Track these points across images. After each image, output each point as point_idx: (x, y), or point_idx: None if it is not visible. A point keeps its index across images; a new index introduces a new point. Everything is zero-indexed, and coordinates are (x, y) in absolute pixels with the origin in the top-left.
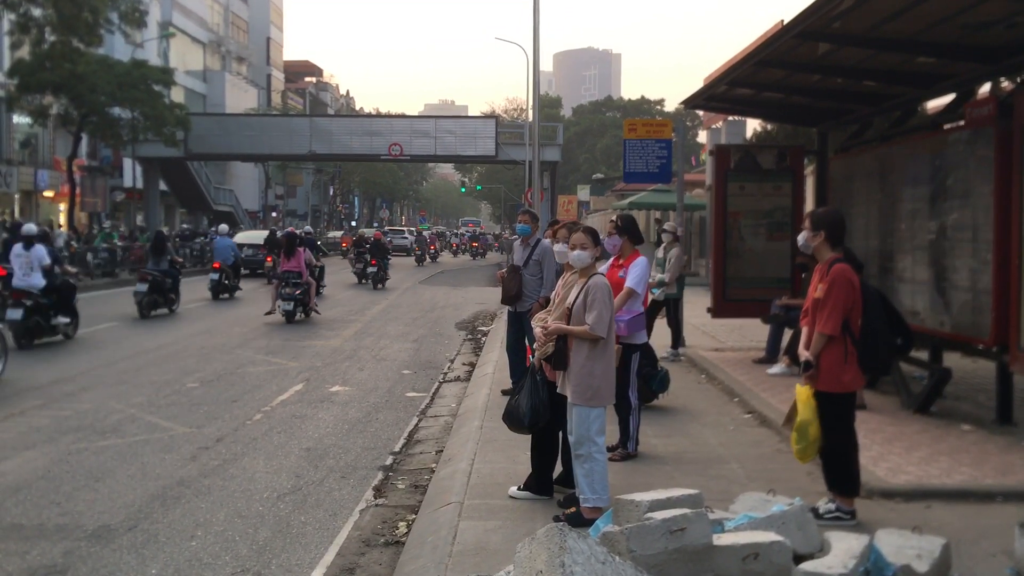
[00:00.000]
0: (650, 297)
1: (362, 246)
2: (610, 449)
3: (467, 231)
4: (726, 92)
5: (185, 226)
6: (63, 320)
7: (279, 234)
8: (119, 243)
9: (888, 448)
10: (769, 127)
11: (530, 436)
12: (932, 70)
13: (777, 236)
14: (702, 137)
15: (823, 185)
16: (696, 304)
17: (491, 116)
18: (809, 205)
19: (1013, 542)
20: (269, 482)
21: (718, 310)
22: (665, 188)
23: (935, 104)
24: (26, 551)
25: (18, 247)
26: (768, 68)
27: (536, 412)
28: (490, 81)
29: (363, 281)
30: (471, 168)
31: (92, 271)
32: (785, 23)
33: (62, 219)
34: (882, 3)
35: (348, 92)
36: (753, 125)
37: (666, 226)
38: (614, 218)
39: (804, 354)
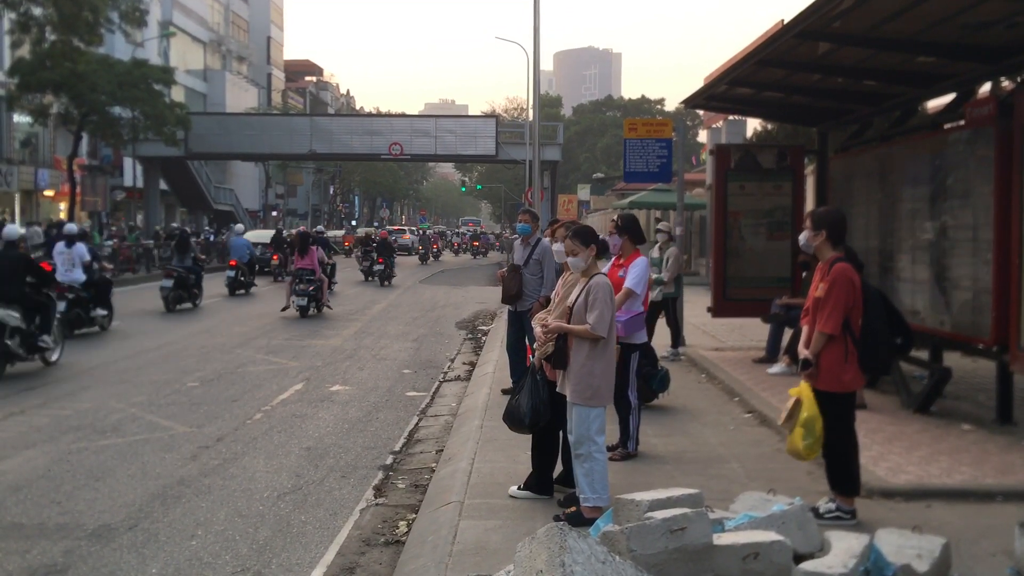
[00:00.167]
0: (650, 297)
1: (369, 245)
2: (610, 448)
3: (467, 230)
4: (726, 91)
5: (174, 225)
6: (101, 312)
7: (285, 233)
8: (107, 243)
9: (888, 448)
10: (769, 127)
11: (530, 435)
12: (932, 70)
13: (777, 236)
14: (702, 136)
15: (823, 185)
16: (696, 303)
17: (491, 115)
18: (809, 205)
19: (1013, 541)
20: (269, 481)
21: (718, 309)
22: (665, 187)
23: (935, 104)
24: (26, 550)
25: (60, 245)
26: (768, 68)
27: (536, 412)
28: (490, 80)
29: (370, 279)
30: (471, 167)
31: None
32: (785, 23)
33: (62, 218)
34: (882, 3)
35: (348, 91)
36: (753, 125)
37: (660, 225)
38: (615, 218)
39: (804, 352)
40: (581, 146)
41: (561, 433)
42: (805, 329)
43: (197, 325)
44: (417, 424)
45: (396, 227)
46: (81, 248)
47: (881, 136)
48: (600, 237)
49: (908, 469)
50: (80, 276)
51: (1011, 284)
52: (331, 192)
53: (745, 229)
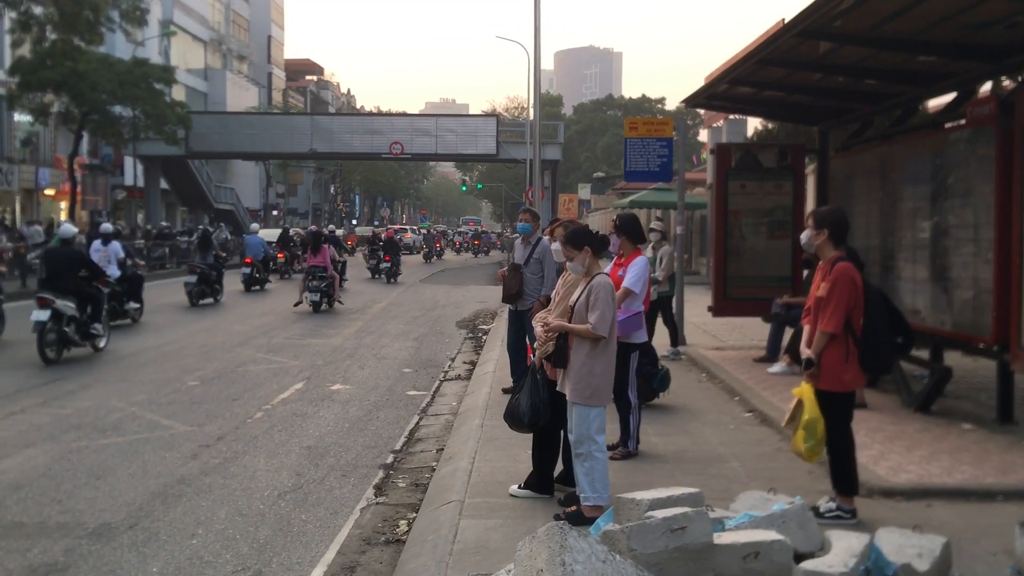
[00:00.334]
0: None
1: (375, 243)
2: (611, 448)
3: (468, 230)
4: (727, 91)
5: (164, 224)
6: (134, 305)
7: (291, 232)
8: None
9: (889, 447)
10: (770, 126)
11: (531, 434)
12: (933, 69)
13: (778, 235)
14: (703, 136)
15: (824, 184)
16: (697, 303)
17: (492, 115)
18: (810, 204)
19: (1014, 541)
20: (270, 480)
21: (719, 309)
22: (666, 187)
23: (936, 103)
24: (27, 549)
25: (97, 243)
26: (769, 67)
27: (536, 411)
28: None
29: (376, 276)
30: (472, 167)
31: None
32: (786, 22)
33: (63, 217)
34: (883, 2)
35: (349, 90)
36: (754, 124)
37: (653, 224)
38: (615, 217)
39: (806, 352)
40: (582, 145)
41: (562, 432)
42: (807, 329)
43: (218, 319)
44: (418, 423)
45: (398, 226)
46: (116, 246)
47: (882, 135)
48: (599, 233)
49: (909, 468)
50: (115, 272)
51: (1012, 283)
52: (332, 191)
53: (746, 228)
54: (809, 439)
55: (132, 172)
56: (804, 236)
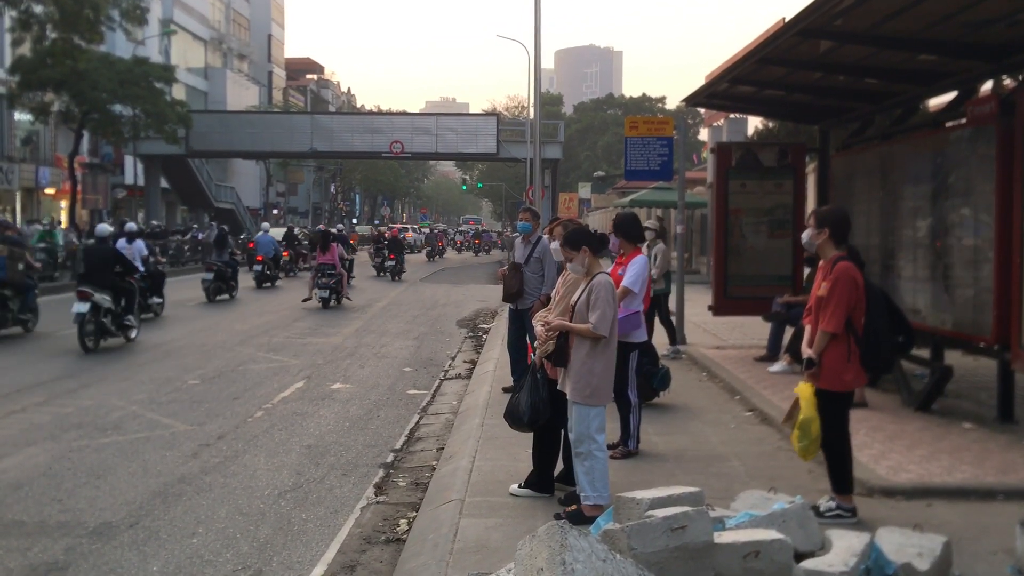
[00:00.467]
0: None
1: (381, 242)
2: (611, 447)
3: (468, 228)
4: (727, 90)
5: (156, 223)
6: (156, 300)
7: (296, 231)
8: (76, 241)
9: (889, 446)
10: (770, 125)
11: (531, 434)
12: (933, 68)
13: (778, 234)
14: (703, 135)
15: (824, 183)
16: (697, 301)
17: (492, 113)
18: (810, 203)
19: (1014, 540)
20: (270, 479)
21: (719, 308)
22: (666, 186)
23: (937, 102)
24: (27, 548)
25: (122, 241)
26: (769, 66)
27: (536, 410)
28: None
29: (381, 274)
30: (472, 166)
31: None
32: (787, 21)
33: (63, 216)
34: (883, 1)
35: (349, 89)
36: (754, 123)
37: (647, 223)
38: (615, 217)
39: (807, 351)
40: (582, 144)
41: (562, 431)
42: (808, 328)
43: (236, 313)
44: (418, 422)
45: (399, 225)
46: (140, 244)
47: (882, 134)
48: (597, 232)
49: (909, 467)
50: (140, 268)
51: (1012, 282)
52: (332, 190)
53: (746, 227)
54: (803, 438)
55: (132, 171)
56: (805, 235)
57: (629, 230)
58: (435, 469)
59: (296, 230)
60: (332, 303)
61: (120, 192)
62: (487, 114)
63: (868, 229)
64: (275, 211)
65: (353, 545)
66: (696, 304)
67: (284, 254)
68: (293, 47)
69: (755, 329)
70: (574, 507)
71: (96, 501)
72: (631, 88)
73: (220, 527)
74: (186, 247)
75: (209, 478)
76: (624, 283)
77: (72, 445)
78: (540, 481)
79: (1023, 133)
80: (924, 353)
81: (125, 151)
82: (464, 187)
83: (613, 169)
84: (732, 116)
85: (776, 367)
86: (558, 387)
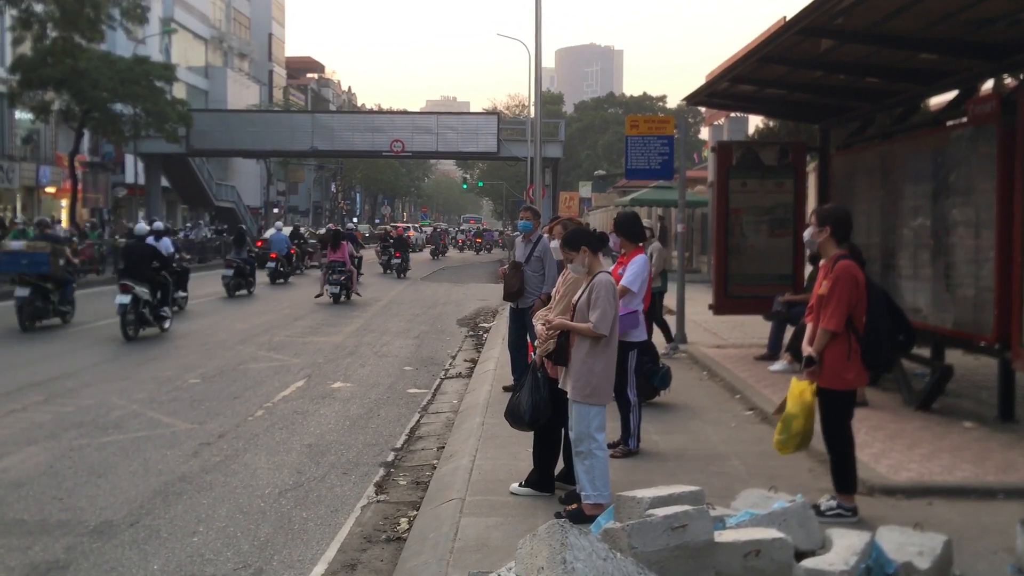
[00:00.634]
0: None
1: (387, 241)
2: (612, 446)
3: (470, 227)
4: (728, 89)
5: (46, 219)
6: (181, 294)
7: (302, 229)
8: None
9: (890, 445)
10: (771, 123)
11: (532, 432)
12: (934, 67)
13: (779, 233)
14: (704, 134)
15: (825, 182)
16: (698, 300)
17: (493, 112)
18: (811, 202)
19: (1015, 539)
20: (271, 478)
21: (719, 307)
22: (667, 185)
23: (937, 101)
24: (28, 546)
25: (150, 239)
26: (770, 64)
27: (537, 409)
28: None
29: (388, 271)
30: (473, 164)
31: None
32: (788, 20)
33: (64, 215)
34: (884, 0)
35: (350, 88)
36: (755, 122)
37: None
38: (616, 216)
39: (807, 350)
40: (583, 143)
41: (562, 430)
42: (809, 326)
43: (254, 307)
44: (418, 421)
45: (401, 225)
46: (166, 241)
47: (883, 133)
48: (595, 231)
49: (910, 466)
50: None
51: (1013, 282)
52: (332, 189)
53: (747, 226)
54: (782, 432)
55: (133, 170)
56: (807, 234)
57: (630, 229)
58: (436, 468)
59: (302, 229)
60: (342, 299)
61: (121, 191)
62: (488, 113)
63: (869, 228)
64: (275, 210)
65: (354, 544)
66: (697, 303)
67: (291, 251)
68: (294, 46)
69: (756, 328)
70: (574, 506)
71: (97, 500)
72: (632, 87)
73: (221, 526)
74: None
75: (210, 477)
76: (623, 282)
77: (73, 444)
78: (541, 480)
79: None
80: (925, 352)
81: (126, 150)
82: (464, 186)
83: (614, 168)
84: (733, 115)
85: (777, 366)
86: (560, 386)
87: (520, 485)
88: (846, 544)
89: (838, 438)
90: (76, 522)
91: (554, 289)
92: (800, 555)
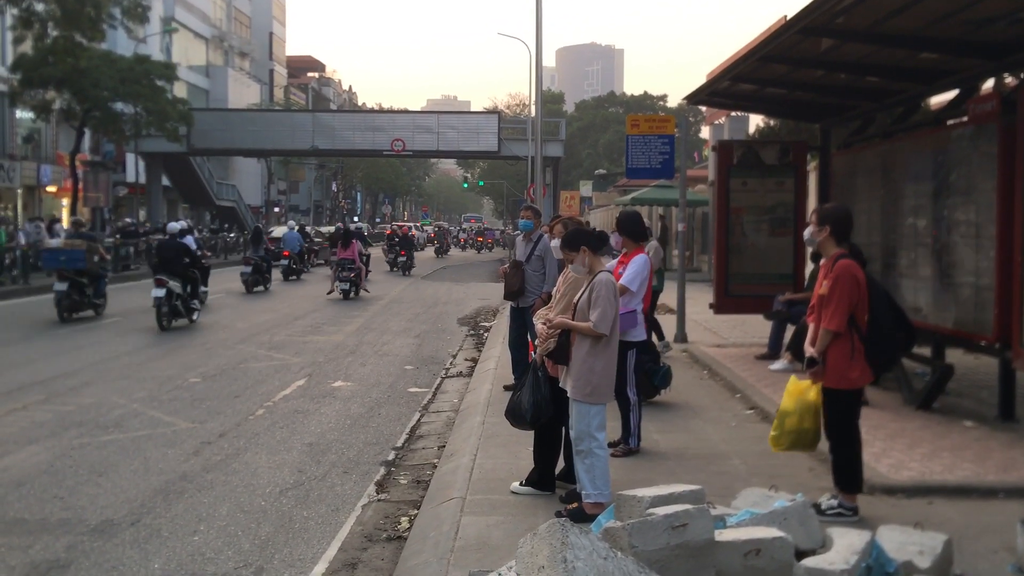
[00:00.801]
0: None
1: (393, 240)
2: (612, 445)
3: (471, 226)
4: (729, 88)
5: (129, 220)
6: (203, 289)
7: (309, 228)
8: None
9: (890, 444)
10: (772, 123)
11: (532, 431)
12: (935, 66)
13: (779, 232)
14: (705, 133)
15: (826, 181)
16: (698, 300)
17: (494, 111)
18: (812, 201)
19: (1015, 538)
20: (271, 477)
21: (720, 306)
22: (668, 184)
23: (938, 100)
24: (29, 545)
25: (167, 238)
26: (771, 64)
27: (538, 408)
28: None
29: (394, 269)
30: (473, 163)
31: None
32: (788, 19)
33: (65, 214)
34: None
35: (351, 87)
36: (756, 121)
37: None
38: (619, 215)
39: (810, 350)
40: (583, 142)
41: (563, 429)
42: (811, 326)
43: (271, 303)
44: (419, 420)
45: (406, 224)
46: (189, 239)
47: (884, 132)
48: (594, 231)
49: (910, 466)
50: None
51: (1014, 281)
52: (333, 188)
53: (747, 225)
54: (776, 428)
55: (134, 169)
56: (807, 233)
57: (633, 228)
58: (436, 467)
59: (308, 228)
60: (352, 295)
61: (121, 190)
62: (488, 112)
63: (869, 227)
64: (276, 209)
65: (354, 543)
66: (697, 302)
67: (284, 252)
68: (294, 45)
69: (756, 327)
70: (575, 505)
71: (98, 499)
72: (632, 86)
73: (221, 525)
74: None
75: (210, 476)
76: (622, 281)
77: (73, 443)
78: (541, 479)
79: None
80: (925, 351)
81: (126, 149)
82: (465, 185)
83: (614, 167)
84: (733, 114)
85: (777, 365)
86: (560, 384)
87: (521, 484)
88: (847, 543)
89: (845, 438)
90: (77, 521)
91: (555, 288)
92: (800, 554)
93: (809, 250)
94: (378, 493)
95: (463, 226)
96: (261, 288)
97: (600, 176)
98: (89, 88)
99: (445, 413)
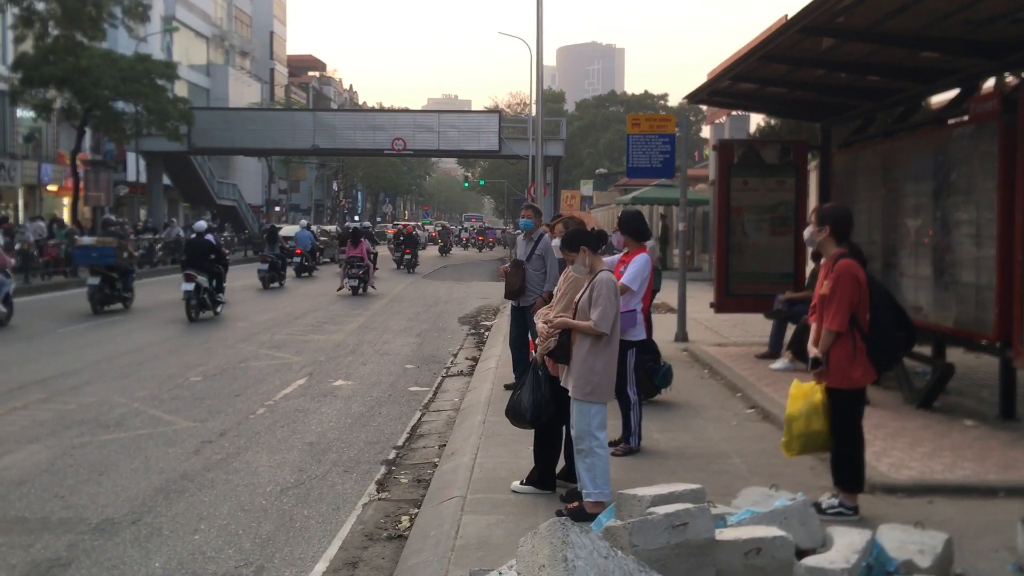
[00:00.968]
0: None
1: (399, 238)
2: (613, 444)
3: (472, 226)
4: (730, 87)
5: (112, 217)
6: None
7: (313, 228)
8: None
9: (891, 443)
10: (772, 122)
11: (533, 430)
12: (936, 65)
13: (780, 231)
14: (705, 132)
15: (826, 180)
16: (699, 299)
17: (494, 111)
18: (812, 200)
19: (1015, 537)
20: (272, 476)
21: (721, 305)
22: (668, 183)
23: (939, 99)
24: (30, 544)
25: (194, 236)
26: (772, 63)
27: (538, 407)
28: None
29: (400, 267)
30: (474, 163)
31: None
32: (789, 18)
33: (65, 213)
34: None
35: (351, 86)
36: (757, 120)
37: None
38: (620, 214)
39: (813, 351)
40: (584, 141)
41: (564, 428)
42: (813, 326)
43: (288, 298)
44: (420, 419)
45: (411, 224)
46: (209, 238)
47: (884, 132)
48: (593, 230)
49: (911, 465)
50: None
51: (1014, 280)
52: (334, 187)
53: (748, 225)
54: (786, 434)
55: (135, 168)
56: (807, 232)
57: (635, 228)
58: (437, 466)
59: (312, 227)
60: (360, 291)
61: (122, 189)
62: (489, 111)
63: (870, 226)
64: (277, 208)
65: (355, 542)
66: (698, 301)
67: (297, 251)
68: (295, 44)
69: (757, 326)
70: (576, 504)
71: (98, 498)
72: (633, 85)
73: (222, 524)
74: (158, 247)
75: (211, 475)
76: (622, 280)
77: (74, 442)
78: (542, 478)
79: None
80: (926, 350)
81: (127, 148)
82: (466, 184)
83: (615, 166)
84: (734, 113)
85: (778, 364)
86: (561, 383)
87: (521, 483)
88: (847, 542)
89: (848, 437)
90: (78, 520)
91: (556, 287)
92: (801, 553)
93: (810, 249)
94: (379, 492)
95: (464, 225)
96: (276, 284)
97: (601, 175)
98: (90, 87)
99: (446, 412)
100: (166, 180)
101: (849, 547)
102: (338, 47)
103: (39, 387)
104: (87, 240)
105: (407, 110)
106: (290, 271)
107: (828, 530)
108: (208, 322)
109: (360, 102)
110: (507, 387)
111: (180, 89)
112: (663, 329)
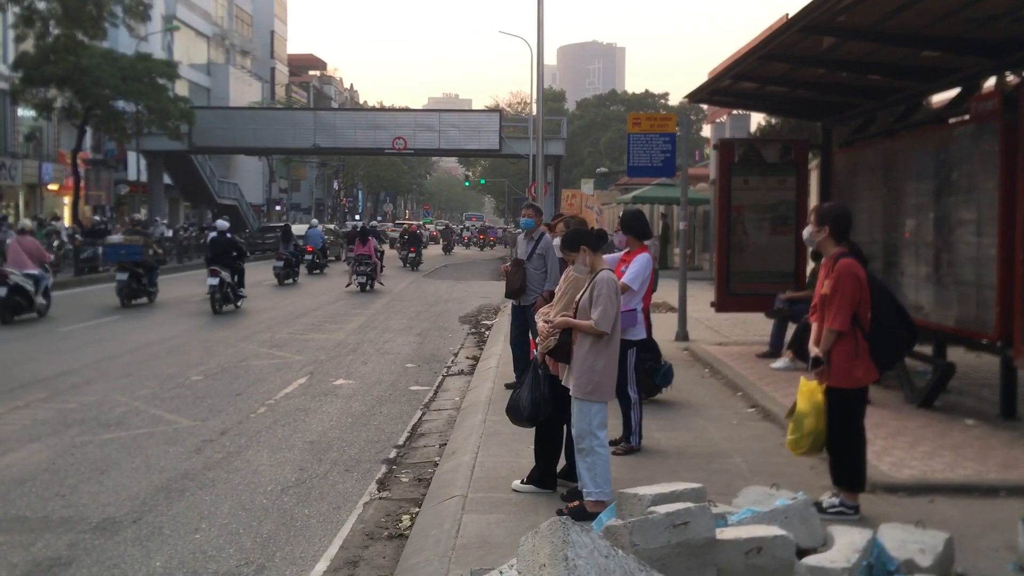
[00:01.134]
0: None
1: (404, 237)
2: (613, 443)
3: (473, 225)
4: (731, 86)
5: (97, 218)
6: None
7: (320, 226)
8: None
9: (892, 443)
10: (773, 121)
11: (533, 429)
12: (937, 64)
13: (781, 230)
14: (706, 131)
15: (827, 179)
16: (699, 298)
17: (495, 110)
18: (813, 199)
19: (1016, 537)
20: (273, 475)
21: (721, 304)
22: (669, 182)
23: (940, 98)
24: (31, 543)
25: (213, 235)
26: (773, 62)
27: (537, 406)
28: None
29: (405, 265)
30: (475, 162)
31: None
32: (790, 17)
33: (66, 213)
34: None
35: (352, 86)
36: (757, 119)
37: None
38: (621, 214)
39: (814, 351)
40: (585, 140)
41: (564, 427)
42: (815, 326)
43: (302, 293)
44: (420, 418)
45: (415, 223)
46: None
47: (885, 130)
48: (593, 230)
49: (912, 464)
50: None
51: (1015, 279)
52: (335, 186)
53: (749, 224)
54: (794, 431)
55: (135, 167)
56: (806, 232)
57: (637, 227)
58: (437, 465)
59: (318, 227)
60: (368, 287)
61: (123, 188)
62: (490, 110)
63: (871, 226)
64: (278, 207)
65: (356, 541)
66: (699, 300)
67: (308, 249)
68: (296, 43)
69: (757, 325)
70: (576, 503)
71: (99, 497)
72: (634, 84)
73: (223, 523)
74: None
75: (212, 474)
76: (623, 279)
77: (75, 441)
78: (542, 477)
79: None
80: (927, 350)
81: (128, 147)
82: (467, 183)
83: (616, 165)
84: (735, 112)
85: (779, 363)
86: (562, 383)
87: (522, 482)
88: (848, 541)
89: (849, 437)
90: (79, 519)
91: (556, 287)
92: (802, 552)
93: (810, 249)
94: (379, 491)
95: (466, 224)
96: (291, 281)
97: (601, 174)
98: (91, 86)
99: (446, 411)
100: (167, 179)
101: (850, 546)
102: (339, 46)
103: (40, 386)
104: (115, 238)
105: (408, 109)
106: (301, 269)
107: (829, 529)
108: (232, 315)
109: (361, 101)
110: (508, 386)
111: (181, 88)
112: (664, 328)
